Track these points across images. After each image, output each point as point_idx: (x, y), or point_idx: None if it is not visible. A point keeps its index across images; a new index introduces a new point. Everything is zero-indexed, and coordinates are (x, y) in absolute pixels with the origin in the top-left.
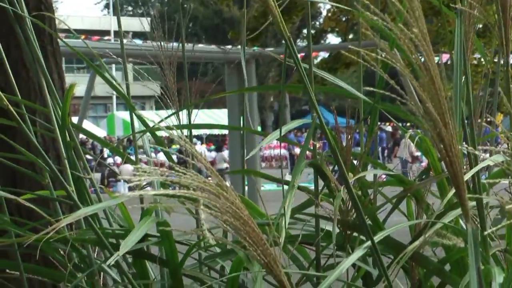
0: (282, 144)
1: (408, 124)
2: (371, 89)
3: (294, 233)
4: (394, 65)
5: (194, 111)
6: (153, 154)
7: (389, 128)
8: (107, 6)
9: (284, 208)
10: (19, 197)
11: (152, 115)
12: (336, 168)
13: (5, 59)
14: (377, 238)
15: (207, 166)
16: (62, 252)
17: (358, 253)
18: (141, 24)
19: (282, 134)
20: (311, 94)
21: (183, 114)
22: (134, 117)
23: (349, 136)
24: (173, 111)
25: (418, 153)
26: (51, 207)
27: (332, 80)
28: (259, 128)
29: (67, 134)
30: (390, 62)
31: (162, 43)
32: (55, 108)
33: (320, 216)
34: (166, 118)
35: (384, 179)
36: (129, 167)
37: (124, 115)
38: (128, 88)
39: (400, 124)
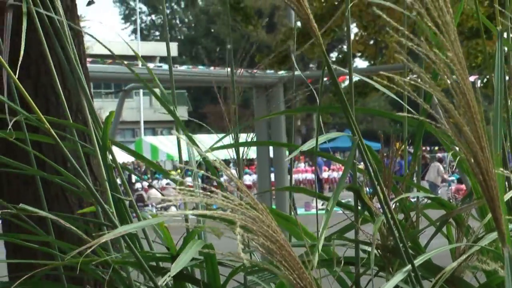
0: (310, 168)
1: (436, 148)
2: (408, 114)
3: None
4: (428, 90)
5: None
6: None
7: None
8: (134, 31)
9: (316, 232)
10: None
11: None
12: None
13: (59, 86)
14: (417, 262)
15: (243, 189)
16: (103, 274)
17: (398, 277)
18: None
19: (308, 150)
20: (352, 115)
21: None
22: (164, 141)
23: (390, 160)
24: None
25: (447, 176)
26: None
27: (382, 89)
28: (286, 152)
29: (108, 156)
30: (425, 87)
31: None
32: (96, 130)
33: (360, 241)
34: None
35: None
36: (157, 193)
37: (152, 139)
38: (176, 111)
39: (427, 148)
